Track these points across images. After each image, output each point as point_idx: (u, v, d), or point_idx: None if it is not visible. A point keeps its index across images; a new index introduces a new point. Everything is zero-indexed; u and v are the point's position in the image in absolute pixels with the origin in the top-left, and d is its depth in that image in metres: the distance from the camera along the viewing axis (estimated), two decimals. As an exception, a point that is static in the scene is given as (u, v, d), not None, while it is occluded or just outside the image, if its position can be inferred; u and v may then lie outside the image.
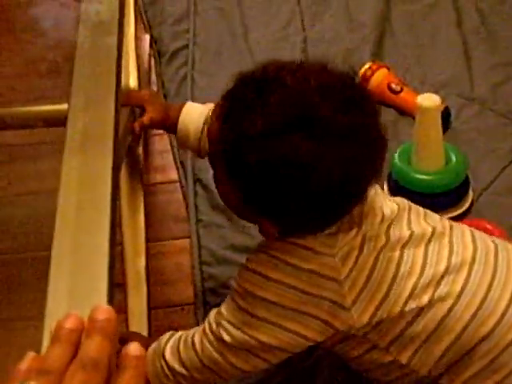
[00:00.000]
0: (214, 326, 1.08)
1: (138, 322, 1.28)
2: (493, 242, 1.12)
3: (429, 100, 1.51)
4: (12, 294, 1.40)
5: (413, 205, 1.13)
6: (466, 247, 1.08)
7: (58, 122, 1.02)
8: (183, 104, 1.32)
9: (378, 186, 1.10)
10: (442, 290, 1.05)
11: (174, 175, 1.71)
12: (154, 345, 1.16)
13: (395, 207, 1.09)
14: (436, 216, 1.13)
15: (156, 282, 1.46)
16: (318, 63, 0.99)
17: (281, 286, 1.03)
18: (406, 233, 1.06)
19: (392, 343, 1.06)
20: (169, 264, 1.53)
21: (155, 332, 1.34)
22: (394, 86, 1.80)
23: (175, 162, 1.73)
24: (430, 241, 1.07)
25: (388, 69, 1.84)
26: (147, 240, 1.50)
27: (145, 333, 1.33)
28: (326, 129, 0.93)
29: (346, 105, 0.94)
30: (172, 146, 1.75)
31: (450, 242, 1.08)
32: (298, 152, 0.92)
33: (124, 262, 1.31)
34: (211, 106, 1.09)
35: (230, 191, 1.03)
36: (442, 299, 1.04)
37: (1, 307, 1.34)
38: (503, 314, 1.04)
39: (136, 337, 1.26)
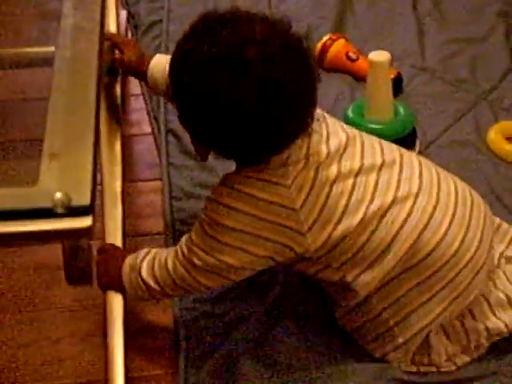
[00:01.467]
0: (185, 250, 1.22)
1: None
2: (437, 173, 1.27)
3: (379, 55, 1.67)
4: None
5: (366, 135, 1.27)
6: (412, 178, 1.23)
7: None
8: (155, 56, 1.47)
9: (329, 119, 1.24)
10: (389, 217, 1.19)
11: (148, 129, 1.84)
12: (130, 260, 1.29)
13: (343, 138, 1.22)
14: (390, 146, 1.28)
15: (129, 215, 1.59)
16: (277, 20, 1.11)
17: (242, 214, 1.16)
18: (358, 163, 1.20)
19: (343, 264, 1.21)
20: (141, 201, 1.66)
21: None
22: (351, 54, 1.96)
23: (149, 116, 1.87)
24: (380, 169, 1.21)
25: (346, 40, 2.01)
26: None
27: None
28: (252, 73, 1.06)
29: (278, 57, 1.07)
30: (146, 103, 1.90)
31: (400, 172, 1.23)
32: (224, 84, 1.06)
33: (102, 186, 1.45)
34: None
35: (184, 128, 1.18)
36: (389, 226, 1.19)
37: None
38: (442, 238, 1.20)
39: (115, 249, 1.39)
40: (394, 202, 1.20)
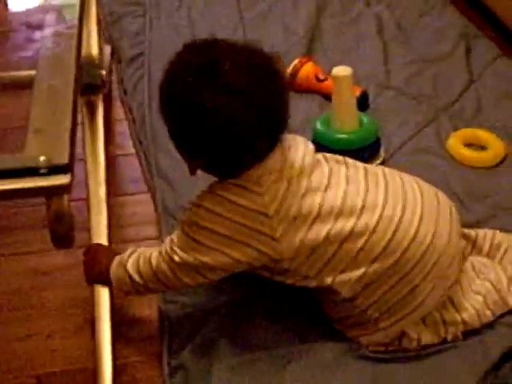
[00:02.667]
0: (168, 248, 1.33)
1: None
2: (401, 178, 1.38)
3: (341, 70, 1.82)
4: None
5: (330, 155, 1.40)
6: (379, 188, 1.34)
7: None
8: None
9: (299, 140, 1.36)
10: (360, 225, 1.30)
11: (131, 150, 1.98)
12: (118, 257, 1.41)
13: (313, 157, 1.35)
14: (354, 162, 1.40)
15: (114, 224, 1.71)
16: (249, 45, 1.27)
17: (221, 217, 1.28)
18: (325, 180, 1.32)
19: (320, 271, 1.31)
20: (126, 212, 1.79)
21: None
22: (319, 75, 2.11)
23: (132, 139, 2.01)
24: (348, 183, 1.33)
25: (315, 63, 2.16)
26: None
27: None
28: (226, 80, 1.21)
29: (250, 70, 1.23)
30: (130, 129, 2.04)
31: (366, 183, 1.34)
32: (201, 94, 1.20)
33: (87, 194, 1.57)
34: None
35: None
36: (361, 232, 1.29)
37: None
38: (414, 236, 1.31)
39: (102, 246, 1.52)
40: (363, 209, 1.31)
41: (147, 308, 1.52)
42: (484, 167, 1.83)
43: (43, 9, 1.29)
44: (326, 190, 1.30)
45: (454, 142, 1.89)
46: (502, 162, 1.85)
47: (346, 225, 1.29)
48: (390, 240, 1.29)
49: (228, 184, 1.28)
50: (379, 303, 1.32)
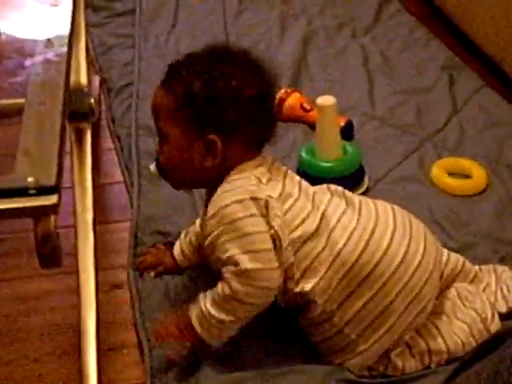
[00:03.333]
0: (230, 268, 1.32)
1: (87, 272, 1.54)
2: (374, 203, 1.43)
3: (325, 99, 1.85)
4: None
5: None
6: (355, 207, 1.41)
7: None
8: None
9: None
10: (335, 235, 1.36)
11: (119, 178, 2.01)
12: (194, 310, 1.37)
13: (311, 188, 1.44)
14: (336, 187, 1.47)
15: (101, 250, 1.73)
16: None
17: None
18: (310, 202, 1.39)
19: (304, 272, 1.35)
20: (113, 238, 1.81)
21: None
22: (305, 105, 2.14)
23: (120, 167, 2.03)
24: (329, 202, 1.40)
25: (301, 93, 2.19)
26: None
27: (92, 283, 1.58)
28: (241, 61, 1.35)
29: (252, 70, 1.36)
30: (117, 155, 2.07)
31: (346, 204, 1.41)
32: (229, 71, 1.32)
33: (74, 220, 1.60)
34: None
35: (182, 135, 1.35)
36: (335, 242, 1.35)
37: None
38: (386, 249, 1.35)
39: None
40: (338, 223, 1.36)
41: (133, 333, 1.52)
42: (467, 195, 1.86)
43: (34, 38, 1.31)
44: (312, 206, 1.37)
45: (438, 171, 1.92)
46: (484, 190, 1.88)
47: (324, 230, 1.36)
48: (361, 252, 1.33)
49: (233, 175, 1.35)
50: (354, 321, 1.34)
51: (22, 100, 1.13)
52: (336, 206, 1.39)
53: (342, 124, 2.01)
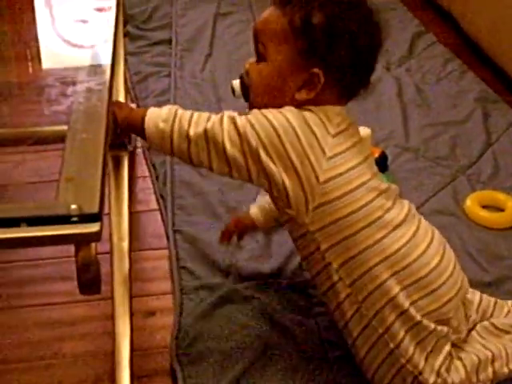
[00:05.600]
0: (236, 114, 1.31)
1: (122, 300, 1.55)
2: (419, 217, 1.45)
3: (361, 131, 1.85)
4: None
5: None
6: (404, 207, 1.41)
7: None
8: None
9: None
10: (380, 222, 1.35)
11: (154, 206, 2.03)
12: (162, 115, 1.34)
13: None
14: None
15: (136, 278, 1.75)
16: None
17: (290, 128, 1.30)
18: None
19: (321, 229, 1.34)
20: (148, 266, 1.82)
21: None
22: (340, 136, 2.15)
23: (155, 195, 2.05)
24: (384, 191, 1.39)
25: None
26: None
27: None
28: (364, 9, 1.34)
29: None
30: (153, 183, 2.09)
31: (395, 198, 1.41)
32: (352, 14, 1.31)
33: (110, 247, 1.61)
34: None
35: (286, 60, 1.31)
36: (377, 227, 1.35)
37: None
38: (426, 249, 1.37)
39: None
40: (388, 210, 1.36)
41: (166, 360, 1.53)
42: (501, 228, 1.85)
43: (75, 67, 1.34)
44: (372, 178, 1.36)
45: (472, 204, 1.92)
46: (518, 223, 1.87)
47: (375, 209, 1.34)
48: (403, 246, 1.34)
49: (310, 108, 1.32)
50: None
51: (65, 127, 1.15)
52: (385, 201, 1.37)
53: (376, 155, 2.02)
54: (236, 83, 1.41)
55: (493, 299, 1.52)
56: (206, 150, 1.31)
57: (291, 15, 1.30)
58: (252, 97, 1.39)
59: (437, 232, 1.43)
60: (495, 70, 2.64)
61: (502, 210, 1.91)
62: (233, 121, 1.30)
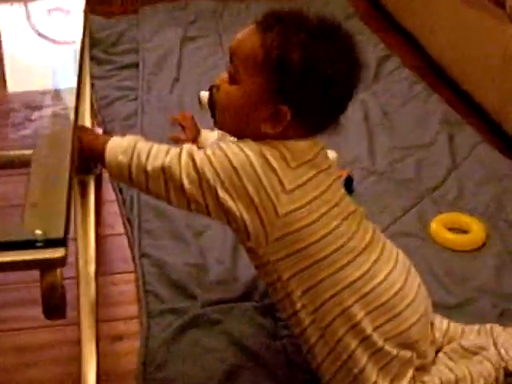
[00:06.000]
0: (194, 149, 1.31)
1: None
2: (384, 240, 1.45)
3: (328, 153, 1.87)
4: None
5: None
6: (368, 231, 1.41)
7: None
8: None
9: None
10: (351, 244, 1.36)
11: (121, 230, 2.02)
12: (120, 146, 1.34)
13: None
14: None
15: (103, 302, 1.74)
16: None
17: (248, 162, 1.29)
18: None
19: (281, 260, 1.35)
20: (115, 290, 1.82)
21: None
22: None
23: (122, 219, 2.05)
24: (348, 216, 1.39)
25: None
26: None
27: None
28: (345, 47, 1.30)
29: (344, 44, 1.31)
30: (119, 206, 2.08)
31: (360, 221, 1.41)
32: (330, 55, 1.27)
33: (76, 270, 1.61)
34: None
35: (256, 90, 1.29)
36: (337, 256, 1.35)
37: None
38: (387, 275, 1.37)
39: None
40: (352, 235, 1.36)
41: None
42: (466, 250, 1.87)
43: (41, 91, 1.34)
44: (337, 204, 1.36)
45: (437, 226, 1.93)
46: (483, 245, 1.90)
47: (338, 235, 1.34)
48: (364, 273, 1.35)
49: (271, 142, 1.31)
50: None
51: (30, 151, 1.14)
52: (347, 230, 1.37)
53: (342, 178, 2.03)
54: (204, 95, 1.41)
55: (460, 327, 1.52)
56: (163, 185, 1.31)
57: (269, 47, 1.27)
58: (218, 114, 1.39)
59: (401, 254, 1.43)
60: (459, 93, 2.67)
61: (467, 232, 1.93)
62: (191, 157, 1.30)
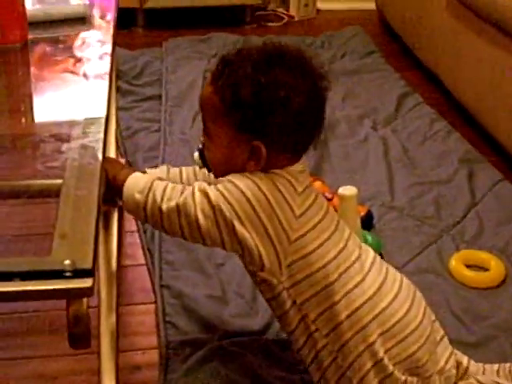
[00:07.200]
0: (206, 185, 1.34)
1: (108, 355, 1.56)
2: (386, 267, 1.46)
3: (347, 189, 1.89)
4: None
5: None
6: (368, 258, 1.44)
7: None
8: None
9: None
10: (346, 275, 1.39)
11: (142, 260, 2.04)
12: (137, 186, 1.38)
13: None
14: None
15: (122, 333, 1.75)
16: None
17: (260, 192, 1.32)
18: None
19: (296, 284, 1.37)
20: (134, 321, 1.83)
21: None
22: (327, 194, 2.18)
23: (143, 249, 2.07)
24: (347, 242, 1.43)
25: (323, 182, 2.24)
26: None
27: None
28: (294, 66, 1.32)
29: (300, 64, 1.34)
30: (140, 237, 2.10)
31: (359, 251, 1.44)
32: (279, 79, 1.29)
33: (98, 300, 1.62)
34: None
35: (226, 137, 1.33)
36: (344, 281, 1.38)
37: None
38: (392, 301, 1.39)
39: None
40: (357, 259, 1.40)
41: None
42: (485, 288, 1.88)
43: (69, 123, 1.36)
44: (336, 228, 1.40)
45: (456, 263, 1.94)
46: (502, 283, 1.90)
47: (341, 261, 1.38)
48: (369, 299, 1.37)
49: (275, 171, 1.34)
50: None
51: (59, 181, 1.17)
52: (350, 253, 1.40)
53: (362, 214, 2.05)
54: (196, 156, 1.45)
55: (481, 365, 1.52)
56: (177, 223, 1.34)
57: (222, 91, 1.31)
58: (212, 170, 1.43)
59: (405, 280, 1.45)
60: (480, 131, 2.69)
61: (486, 270, 1.93)
62: (205, 194, 1.32)
